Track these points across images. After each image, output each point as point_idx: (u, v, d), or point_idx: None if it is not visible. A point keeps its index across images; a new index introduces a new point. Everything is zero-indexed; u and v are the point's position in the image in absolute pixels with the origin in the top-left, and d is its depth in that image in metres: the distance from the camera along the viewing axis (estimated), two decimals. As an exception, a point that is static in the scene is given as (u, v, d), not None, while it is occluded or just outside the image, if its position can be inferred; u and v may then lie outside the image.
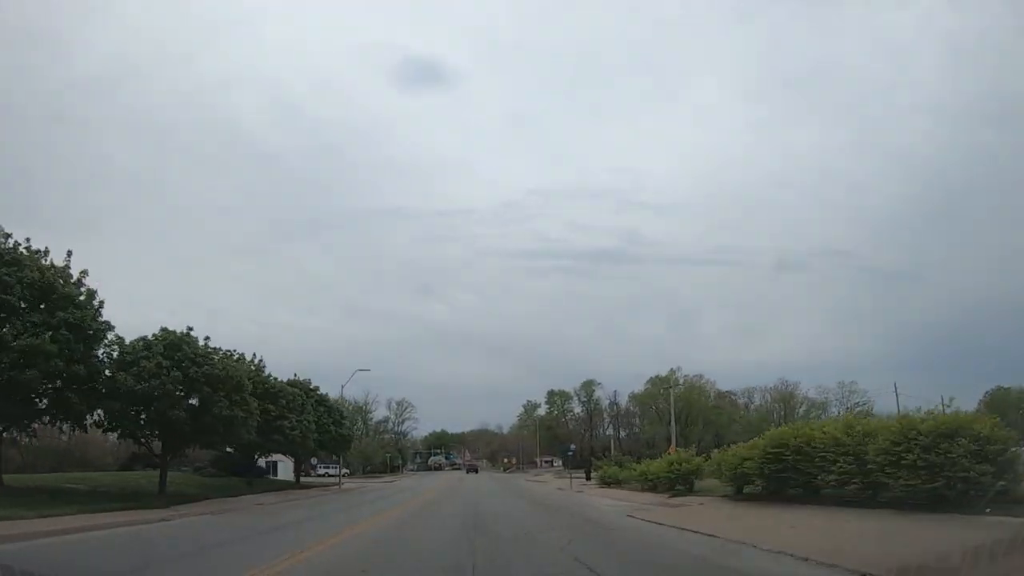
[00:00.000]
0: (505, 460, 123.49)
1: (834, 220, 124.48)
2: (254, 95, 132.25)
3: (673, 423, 52.11)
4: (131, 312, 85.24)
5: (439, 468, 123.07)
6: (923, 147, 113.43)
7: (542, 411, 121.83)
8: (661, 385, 79.93)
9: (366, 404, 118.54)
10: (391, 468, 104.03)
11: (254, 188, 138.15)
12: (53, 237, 32.82)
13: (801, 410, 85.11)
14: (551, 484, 49.64)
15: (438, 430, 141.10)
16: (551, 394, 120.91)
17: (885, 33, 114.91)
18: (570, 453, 49.59)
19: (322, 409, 45.73)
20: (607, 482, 39.88)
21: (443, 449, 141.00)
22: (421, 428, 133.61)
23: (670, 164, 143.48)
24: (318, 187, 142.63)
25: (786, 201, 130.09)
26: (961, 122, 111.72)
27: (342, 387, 51.66)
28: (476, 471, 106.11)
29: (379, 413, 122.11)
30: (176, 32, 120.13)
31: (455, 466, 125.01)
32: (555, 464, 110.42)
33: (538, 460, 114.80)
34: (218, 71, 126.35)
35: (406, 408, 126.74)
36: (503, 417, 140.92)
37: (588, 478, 48.23)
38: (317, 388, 47.09)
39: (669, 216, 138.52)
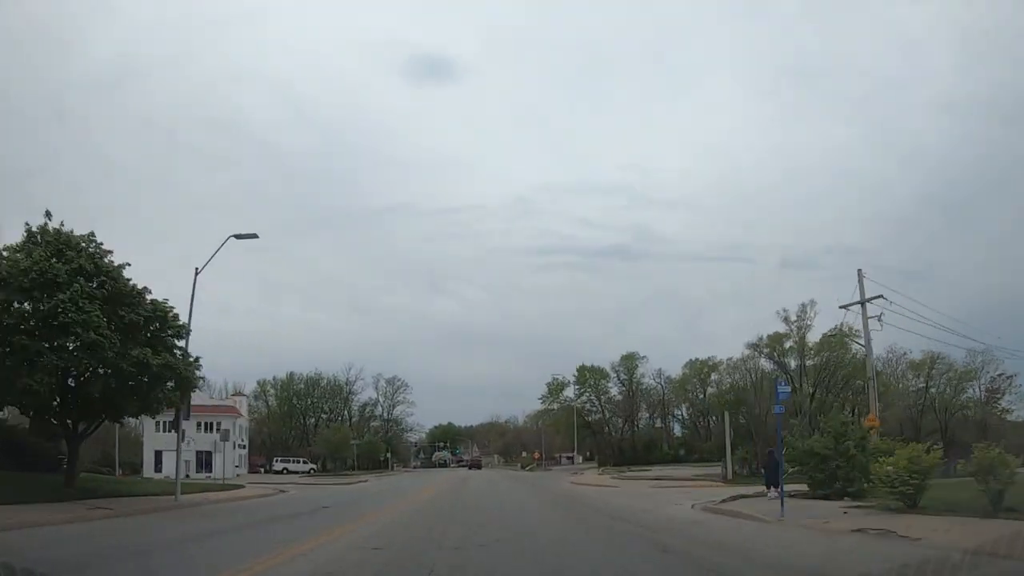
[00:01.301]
0: (524, 454, 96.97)
1: (845, 218, 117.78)
2: (260, 92, 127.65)
3: (872, 364, 24.85)
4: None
5: (444, 464, 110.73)
6: (935, 144, 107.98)
7: (570, 392, 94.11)
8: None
9: (348, 382, 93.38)
10: (358, 464, 77.84)
11: (260, 186, 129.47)
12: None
13: (943, 380, 70.20)
14: (678, 499, 23.09)
15: (444, 423, 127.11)
16: (582, 370, 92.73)
17: (898, 28, 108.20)
18: (780, 408, 19.69)
19: (91, 288, 18.77)
20: (904, 503, 12.53)
21: (448, 443, 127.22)
22: (426, 422, 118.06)
23: (681, 160, 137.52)
24: (324, 184, 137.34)
25: (797, 198, 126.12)
26: (974, 119, 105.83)
27: (196, 270, 24.62)
28: (479, 467, 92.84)
29: (366, 395, 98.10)
30: (181, 30, 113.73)
31: (461, 462, 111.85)
32: (575, 460, 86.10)
33: (564, 455, 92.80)
34: (223, 69, 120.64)
35: (399, 388, 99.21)
36: (511, 414, 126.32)
37: (771, 486, 20.84)
38: (89, 250, 20.26)
39: (679, 212, 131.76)
